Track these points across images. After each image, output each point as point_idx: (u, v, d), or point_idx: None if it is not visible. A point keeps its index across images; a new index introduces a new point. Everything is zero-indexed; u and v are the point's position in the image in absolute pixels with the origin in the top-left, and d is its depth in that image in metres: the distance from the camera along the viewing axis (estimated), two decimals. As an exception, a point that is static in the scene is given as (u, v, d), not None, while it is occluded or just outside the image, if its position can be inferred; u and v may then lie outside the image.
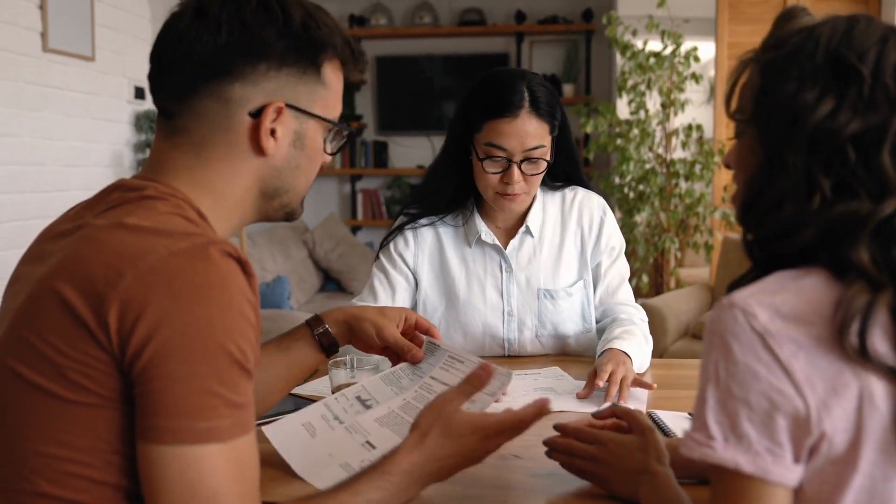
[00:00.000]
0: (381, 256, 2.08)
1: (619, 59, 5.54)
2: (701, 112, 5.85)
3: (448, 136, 2.04)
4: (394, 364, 1.54)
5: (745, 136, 0.99)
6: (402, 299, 2.04)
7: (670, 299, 4.63)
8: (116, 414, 0.95)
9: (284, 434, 1.35)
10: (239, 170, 1.10)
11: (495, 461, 1.33)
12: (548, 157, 1.94)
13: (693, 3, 5.55)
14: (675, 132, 5.42)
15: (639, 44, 5.36)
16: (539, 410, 1.17)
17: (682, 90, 5.32)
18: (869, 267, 0.86)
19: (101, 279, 0.92)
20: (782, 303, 0.87)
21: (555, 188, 2.10)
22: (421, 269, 2.06)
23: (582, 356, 2.04)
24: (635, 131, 5.31)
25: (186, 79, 1.07)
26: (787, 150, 0.91)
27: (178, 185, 1.08)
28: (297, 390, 1.70)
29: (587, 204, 2.09)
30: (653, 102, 5.42)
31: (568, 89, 6.69)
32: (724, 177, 5.47)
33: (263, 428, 1.34)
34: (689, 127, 5.33)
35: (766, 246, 0.94)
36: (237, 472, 0.94)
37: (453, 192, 2.04)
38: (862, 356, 0.84)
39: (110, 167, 4.49)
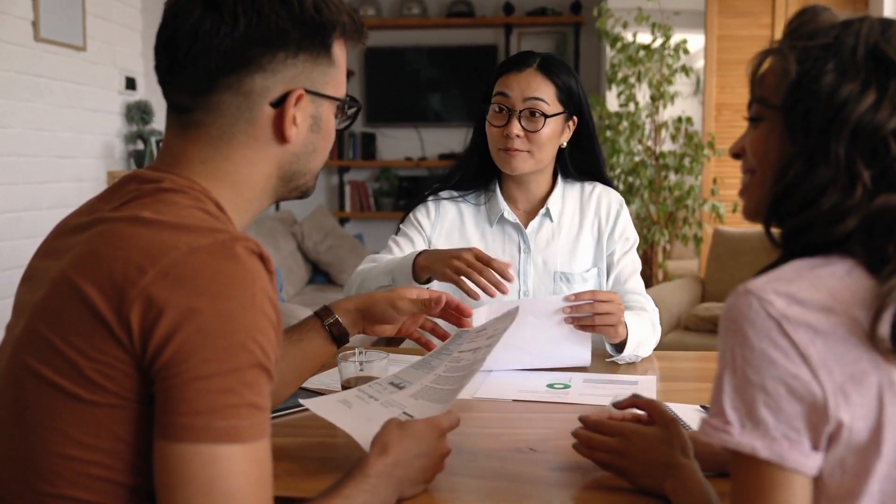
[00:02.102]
0: (401, 225, 2.16)
1: (608, 52, 5.54)
2: (689, 104, 5.87)
3: (477, 117, 2.13)
4: (423, 346, 1.60)
5: (767, 124, 0.99)
6: None
7: (661, 292, 4.65)
8: (136, 414, 0.94)
9: (323, 405, 1.36)
10: (260, 160, 1.09)
11: (513, 454, 1.35)
12: (549, 113, 2.00)
13: (683, -5, 5.57)
14: (665, 124, 5.44)
15: (628, 36, 5.37)
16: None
17: (671, 83, 5.34)
18: None
19: (121, 276, 0.91)
20: (798, 290, 0.87)
21: (575, 181, 2.16)
22: (437, 241, 2.10)
23: (594, 350, 2.04)
24: (625, 124, 5.32)
25: (205, 74, 1.04)
26: (828, 141, 0.91)
27: (196, 178, 1.06)
28: (304, 384, 1.70)
29: (605, 196, 2.15)
30: (642, 95, 5.43)
31: (556, 81, 6.68)
32: (713, 169, 5.50)
33: (302, 401, 1.34)
34: (679, 119, 5.35)
35: (804, 236, 0.93)
36: (257, 476, 0.92)
37: (478, 170, 2.11)
38: (893, 349, 0.84)
39: (101, 158, 4.46)
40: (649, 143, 5.49)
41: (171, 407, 0.90)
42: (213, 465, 0.90)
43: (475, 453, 1.36)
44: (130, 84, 4.67)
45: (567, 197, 2.14)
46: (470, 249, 1.79)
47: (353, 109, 1.19)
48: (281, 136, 1.08)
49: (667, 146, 5.49)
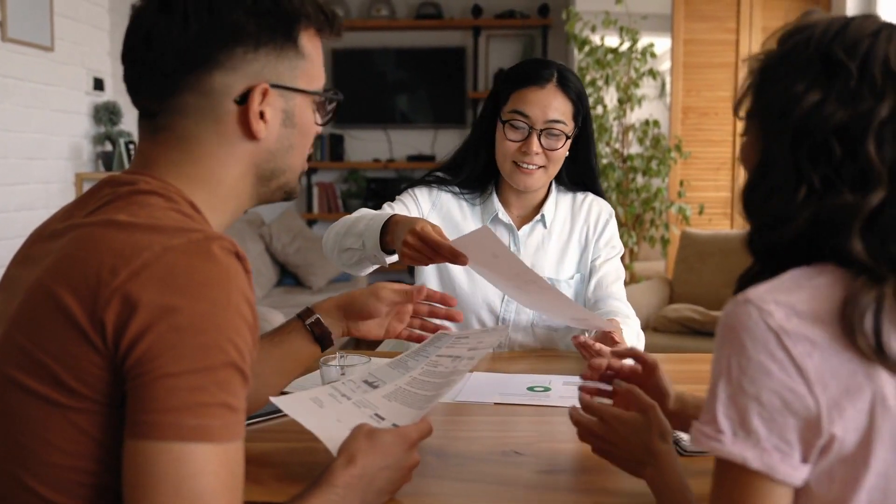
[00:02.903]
0: (397, 197, 2.14)
1: (576, 55, 5.58)
2: (655, 107, 5.92)
3: (479, 116, 2.12)
4: (411, 340, 1.58)
5: (749, 132, 1.01)
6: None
7: (629, 293, 4.63)
8: (112, 417, 0.93)
9: (293, 401, 1.35)
10: (230, 159, 1.08)
11: (498, 458, 1.36)
12: (569, 133, 2.00)
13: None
14: (632, 127, 5.49)
15: (596, 39, 5.42)
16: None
17: (638, 86, 5.39)
18: (867, 259, 0.87)
19: (95, 278, 0.90)
20: (798, 301, 0.88)
21: (568, 190, 2.18)
22: (429, 217, 2.09)
23: (570, 352, 2.07)
24: (593, 126, 5.35)
25: (163, 77, 1.04)
26: (777, 141, 0.93)
27: (170, 179, 1.05)
28: (286, 388, 1.70)
29: (596, 206, 2.18)
30: (610, 98, 5.47)
31: (524, 84, 6.71)
32: (680, 172, 5.56)
33: (272, 398, 1.34)
34: (647, 122, 5.40)
35: (758, 237, 0.96)
36: (226, 477, 0.91)
37: (478, 171, 2.11)
38: (877, 353, 0.85)
39: (70, 160, 4.42)
40: (617, 145, 5.53)
41: (141, 405, 0.89)
42: (183, 464, 0.88)
43: (461, 457, 1.37)
44: (98, 85, 4.63)
45: (560, 205, 2.16)
46: (415, 230, 1.64)
47: (332, 104, 1.18)
48: (248, 132, 1.07)
49: (634, 149, 5.54)
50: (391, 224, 1.75)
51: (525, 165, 2.00)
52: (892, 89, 0.90)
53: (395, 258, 1.78)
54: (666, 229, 5.36)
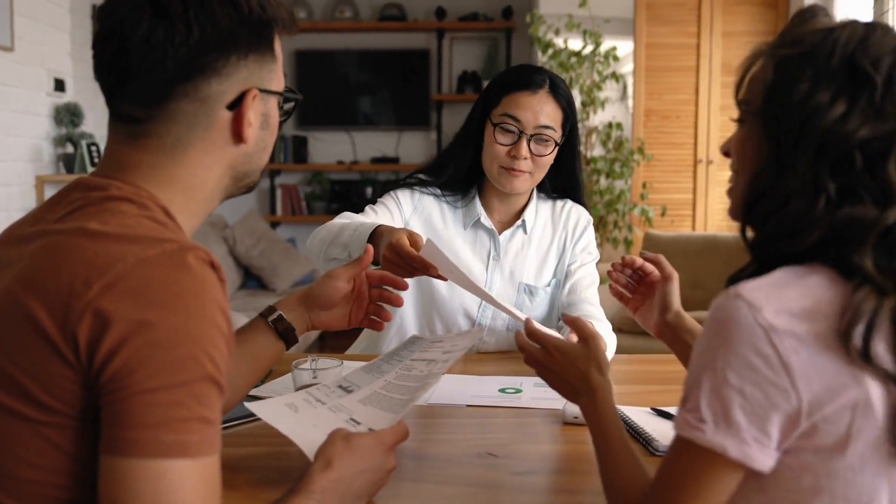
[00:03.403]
0: (384, 195, 2.12)
1: (539, 57, 5.61)
2: (616, 109, 5.97)
3: (467, 117, 2.11)
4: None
5: (749, 127, 1.00)
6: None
7: (594, 294, 4.70)
8: (85, 432, 0.91)
9: (268, 407, 1.34)
10: (214, 163, 1.08)
11: (473, 460, 1.36)
12: (557, 140, 2.01)
13: (612, 3, 5.66)
14: (595, 130, 5.53)
15: (560, 42, 5.45)
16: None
17: (601, 89, 5.43)
18: (874, 273, 0.89)
19: (67, 291, 0.89)
20: (788, 298, 0.89)
21: (549, 197, 2.19)
22: (412, 226, 2.08)
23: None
24: (579, 137, 5.37)
25: (160, 84, 1.02)
26: (796, 149, 0.92)
27: (144, 184, 1.03)
28: (255, 391, 1.70)
29: (575, 213, 2.19)
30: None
31: (488, 86, 6.73)
32: (643, 174, 5.61)
33: (247, 404, 1.33)
34: (609, 125, 5.45)
35: (771, 244, 0.96)
36: (206, 492, 0.90)
37: (461, 173, 2.10)
38: (864, 359, 0.87)
39: (30, 162, 4.36)
40: (580, 148, 5.55)
41: (117, 421, 0.88)
42: (161, 481, 0.87)
43: (437, 460, 1.38)
44: (59, 86, 4.57)
45: (540, 211, 2.17)
46: (391, 243, 1.63)
47: (291, 104, 1.18)
48: (238, 137, 1.07)
49: (597, 151, 5.58)
50: (376, 235, 1.74)
51: (513, 170, 2.01)
52: None
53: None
54: (629, 231, 5.40)
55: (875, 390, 0.87)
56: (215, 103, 1.05)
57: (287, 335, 1.46)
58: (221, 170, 1.09)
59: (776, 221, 0.94)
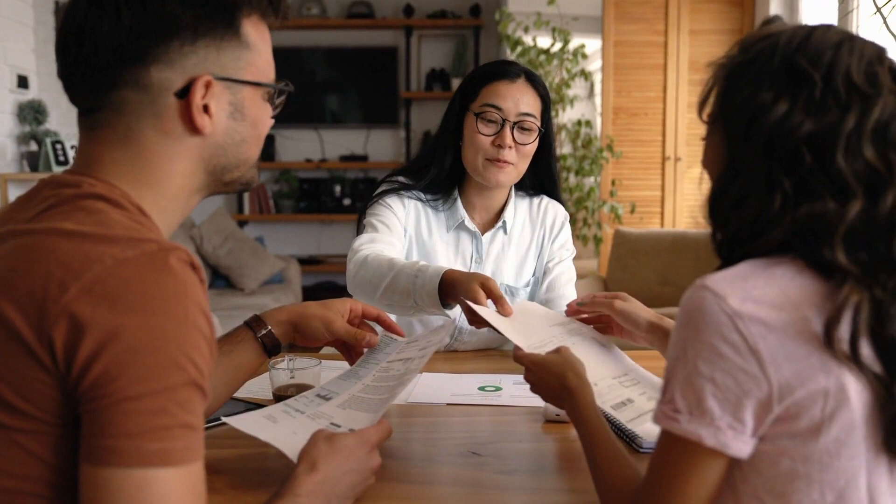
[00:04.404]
0: (375, 205, 2.06)
1: (508, 55, 5.61)
2: (586, 108, 5.99)
3: (444, 116, 2.09)
4: (345, 356, 1.55)
5: (710, 136, 1.04)
6: (401, 245, 2.03)
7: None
8: (61, 439, 0.89)
9: (246, 421, 1.33)
10: (175, 155, 1.03)
11: (457, 459, 1.35)
12: (540, 127, 2.00)
13: (581, 1, 5.68)
14: (564, 127, 5.55)
15: (528, 40, 5.46)
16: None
17: (569, 86, 5.45)
18: (851, 267, 0.90)
19: (41, 293, 0.86)
20: (753, 287, 0.91)
21: (526, 195, 2.18)
22: (407, 228, 2.08)
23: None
24: (554, 132, 5.38)
25: (98, 72, 0.99)
26: (746, 149, 0.96)
27: (114, 181, 1.00)
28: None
29: (552, 210, 2.18)
30: (542, 98, 5.50)
31: (457, 84, 6.72)
32: (612, 171, 5.63)
33: (224, 418, 1.32)
34: (578, 122, 5.47)
35: (736, 245, 0.98)
36: (191, 500, 0.88)
37: (444, 175, 2.07)
38: (852, 359, 0.88)
39: (-8, 161, 4.29)
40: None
41: (99, 429, 0.85)
42: (146, 491, 0.85)
43: (420, 459, 1.36)
44: (22, 82, 4.49)
45: (518, 210, 2.16)
46: (482, 281, 1.63)
47: (282, 97, 1.14)
48: (192, 127, 1.03)
49: (566, 149, 5.59)
50: (447, 284, 1.69)
51: (499, 160, 1.99)
52: (856, 101, 0.93)
53: (454, 311, 1.75)
54: (599, 228, 5.43)
55: (852, 383, 0.89)
56: (160, 91, 1.01)
57: (275, 350, 1.46)
58: (189, 163, 1.05)
59: (737, 221, 0.97)
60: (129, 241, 0.90)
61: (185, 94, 1.01)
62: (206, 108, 1.02)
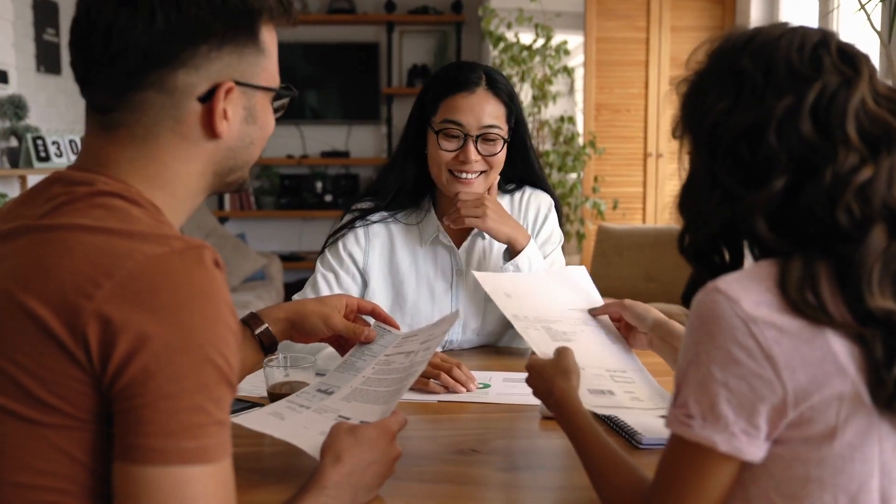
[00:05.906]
0: (328, 254, 2.00)
1: (490, 51, 5.62)
2: (568, 104, 6.01)
3: (405, 128, 2.02)
4: (339, 351, 1.55)
5: (681, 151, 1.06)
6: (354, 291, 1.99)
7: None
8: (93, 435, 0.89)
9: (254, 419, 1.33)
10: (190, 157, 1.03)
11: (456, 457, 1.35)
12: (505, 136, 1.93)
13: (563, -3, 5.70)
14: (546, 123, 5.56)
15: (511, 36, 5.46)
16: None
17: (551, 83, 5.46)
18: (772, 238, 0.93)
19: (73, 290, 0.86)
20: (766, 290, 0.91)
21: (505, 192, 2.11)
22: (371, 269, 2.00)
23: (508, 348, 2.08)
24: (527, 125, 5.39)
25: (124, 73, 0.98)
26: (695, 151, 1.01)
27: (128, 179, 1.00)
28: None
29: (535, 200, 2.11)
30: (524, 94, 5.52)
31: (438, 80, 6.72)
32: (594, 168, 5.65)
33: (232, 418, 1.31)
34: (561, 119, 5.48)
35: (686, 238, 1.02)
36: (224, 496, 0.89)
37: (410, 187, 2.00)
38: (826, 317, 0.88)
39: (-29, 157, 4.23)
40: (531, 139, 5.58)
41: (135, 428, 0.85)
42: (184, 488, 0.86)
43: (419, 457, 1.36)
44: (2, 77, 4.43)
45: None
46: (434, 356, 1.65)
47: (284, 100, 1.15)
48: (211, 131, 1.03)
49: (549, 145, 5.60)
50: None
51: (464, 175, 1.92)
52: (793, 85, 0.94)
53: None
54: (581, 224, 5.45)
55: (862, 384, 0.89)
56: (184, 95, 1.01)
57: (271, 347, 1.46)
58: (201, 165, 1.05)
59: (686, 216, 1.02)
60: (156, 238, 0.91)
61: (206, 98, 1.02)
62: (224, 113, 1.03)
